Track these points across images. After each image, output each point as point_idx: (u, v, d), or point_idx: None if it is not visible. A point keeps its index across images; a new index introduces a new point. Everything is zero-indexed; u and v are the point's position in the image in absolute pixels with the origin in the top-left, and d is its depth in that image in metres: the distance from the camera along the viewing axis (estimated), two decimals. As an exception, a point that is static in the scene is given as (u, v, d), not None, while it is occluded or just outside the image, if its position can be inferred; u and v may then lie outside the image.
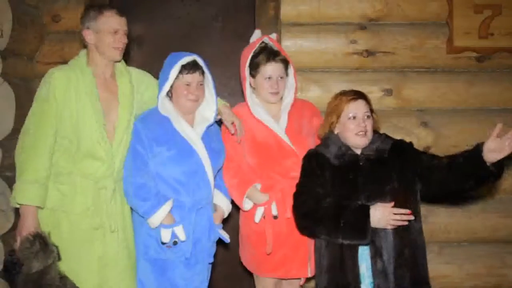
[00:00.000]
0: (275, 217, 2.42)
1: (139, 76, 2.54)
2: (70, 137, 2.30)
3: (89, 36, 2.36)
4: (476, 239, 3.08)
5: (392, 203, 2.08)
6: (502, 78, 3.10)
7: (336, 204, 2.12)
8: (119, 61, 2.44)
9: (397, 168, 2.17)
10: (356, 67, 3.11)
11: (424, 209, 2.86)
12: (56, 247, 2.12)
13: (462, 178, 2.06)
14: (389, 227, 2.07)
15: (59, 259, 2.12)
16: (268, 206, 2.42)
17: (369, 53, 3.08)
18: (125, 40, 2.39)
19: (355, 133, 2.18)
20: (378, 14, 3.08)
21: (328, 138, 2.27)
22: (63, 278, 2.13)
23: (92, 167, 2.31)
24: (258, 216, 2.43)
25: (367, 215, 2.05)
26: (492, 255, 3.08)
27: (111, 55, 2.37)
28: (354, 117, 2.19)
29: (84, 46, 2.44)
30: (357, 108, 2.19)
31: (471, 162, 2.02)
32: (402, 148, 2.24)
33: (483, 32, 3.02)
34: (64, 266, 2.19)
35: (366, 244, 2.09)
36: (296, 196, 2.23)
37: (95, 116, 2.30)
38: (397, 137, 2.37)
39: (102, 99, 2.36)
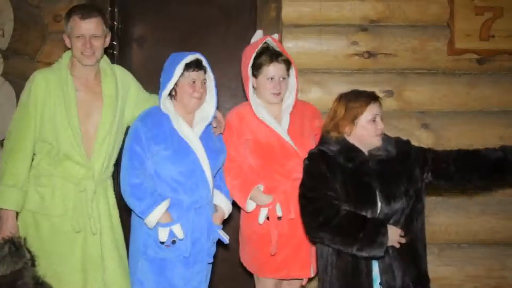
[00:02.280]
0: (279, 218, 2.42)
1: (124, 75, 2.52)
2: (50, 140, 2.30)
3: (66, 41, 2.36)
4: (476, 241, 3.09)
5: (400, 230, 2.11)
6: (503, 80, 3.10)
7: (354, 215, 2.10)
8: (91, 66, 2.38)
9: (406, 167, 2.19)
10: (357, 69, 3.11)
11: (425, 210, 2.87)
12: (30, 252, 2.11)
13: (487, 173, 2.24)
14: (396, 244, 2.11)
15: (33, 265, 2.11)
16: (272, 207, 2.42)
17: (370, 54, 3.09)
18: (93, 45, 2.32)
19: (376, 135, 2.18)
20: (379, 16, 3.09)
21: (328, 137, 2.24)
22: (40, 284, 2.11)
23: (72, 169, 2.32)
24: (262, 218, 2.43)
25: (386, 231, 2.05)
26: (492, 257, 3.08)
27: (81, 60, 2.34)
28: (375, 120, 2.18)
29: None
30: (378, 110, 2.19)
31: (502, 161, 2.22)
32: (405, 148, 2.26)
33: (484, 34, 3.02)
34: (46, 269, 2.19)
35: (379, 258, 2.11)
36: (308, 202, 2.16)
37: (69, 119, 2.29)
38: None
39: (83, 101, 2.34)
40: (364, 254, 2.06)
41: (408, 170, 2.20)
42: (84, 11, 2.33)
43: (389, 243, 2.07)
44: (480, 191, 3.07)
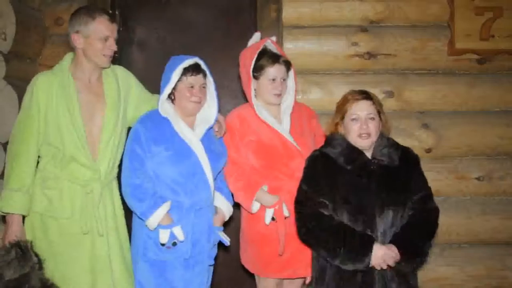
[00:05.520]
0: (285, 218, 2.42)
1: (124, 75, 2.53)
2: (56, 143, 2.30)
3: (77, 40, 2.32)
4: (477, 241, 3.09)
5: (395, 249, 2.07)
6: (503, 80, 3.10)
7: (340, 228, 2.08)
8: (108, 67, 2.41)
9: (406, 178, 2.18)
10: (357, 69, 3.11)
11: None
12: (37, 256, 2.11)
13: None
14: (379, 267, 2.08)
15: (41, 268, 2.12)
16: (279, 207, 2.42)
17: (371, 55, 3.09)
18: (115, 47, 2.36)
19: (357, 135, 2.16)
20: (379, 16, 3.09)
21: (333, 138, 2.25)
22: (48, 286, 2.11)
23: (78, 172, 2.32)
24: (268, 218, 2.43)
25: (369, 251, 2.03)
26: (493, 257, 3.08)
27: (100, 61, 2.35)
28: (356, 119, 2.16)
29: (71, 49, 2.41)
30: (360, 109, 2.17)
31: None
32: (412, 161, 2.24)
33: (484, 34, 3.02)
34: (54, 271, 2.18)
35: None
36: (298, 207, 2.19)
37: (73, 122, 2.29)
38: (398, 139, 2.37)
39: (86, 103, 2.34)
40: (348, 268, 2.07)
41: (408, 181, 2.18)
42: (107, 13, 2.36)
43: (373, 263, 2.05)
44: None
